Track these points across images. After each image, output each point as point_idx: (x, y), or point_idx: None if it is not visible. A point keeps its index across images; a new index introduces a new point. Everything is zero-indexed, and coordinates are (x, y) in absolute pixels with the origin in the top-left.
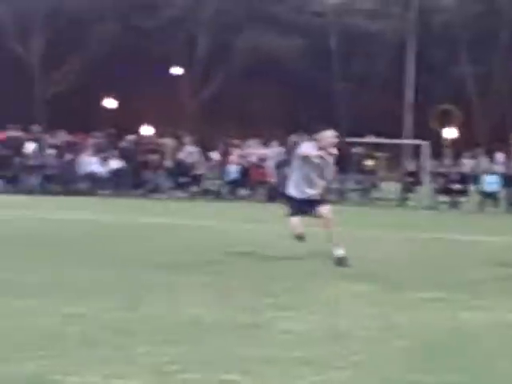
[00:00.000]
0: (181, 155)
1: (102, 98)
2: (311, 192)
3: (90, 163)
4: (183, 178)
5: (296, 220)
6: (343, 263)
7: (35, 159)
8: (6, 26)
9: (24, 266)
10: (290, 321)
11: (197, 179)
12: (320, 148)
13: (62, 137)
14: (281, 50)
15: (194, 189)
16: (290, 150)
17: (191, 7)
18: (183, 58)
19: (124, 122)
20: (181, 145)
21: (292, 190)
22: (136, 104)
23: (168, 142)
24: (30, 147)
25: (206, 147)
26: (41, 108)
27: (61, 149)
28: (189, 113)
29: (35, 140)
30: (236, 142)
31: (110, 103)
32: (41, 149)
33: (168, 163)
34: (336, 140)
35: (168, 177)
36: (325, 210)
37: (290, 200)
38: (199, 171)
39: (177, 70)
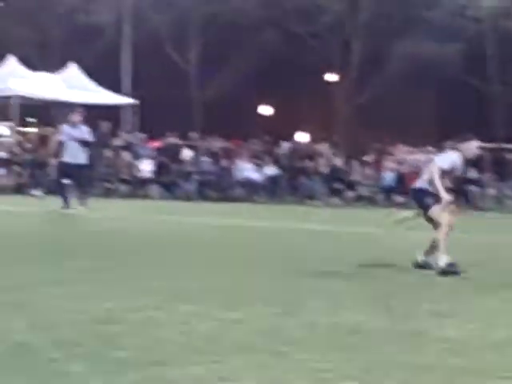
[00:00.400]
0: (336, 161)
1: (257, 105)
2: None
3: (246, 170)
4: (338, 184)
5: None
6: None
7: (192, 165)
8: (163, 34)
9: (184, 272)
10: (449, 328)
11: (352, 185)
12: (463, 159)
13: (218, 143)
14: (436, 55)
15: (349, 195)
16: None
17: (346, 13)
18: (338, 64)
19: (279, 129)
20: (336, 151)
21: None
22: (291, 110)
23: (323, 148)
24: (187, 154)
25: (360, 153)
26: (197, 115)
27: (217, 155)
28: (343, 119)
29: (192, 146)
30: (391, 147)
31: (265, 110)
32: (197, 155)
33: (323, 169)
34: (478, 151)
35: (323, 183)
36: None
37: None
38: (354, 177)
39: (331, 77)
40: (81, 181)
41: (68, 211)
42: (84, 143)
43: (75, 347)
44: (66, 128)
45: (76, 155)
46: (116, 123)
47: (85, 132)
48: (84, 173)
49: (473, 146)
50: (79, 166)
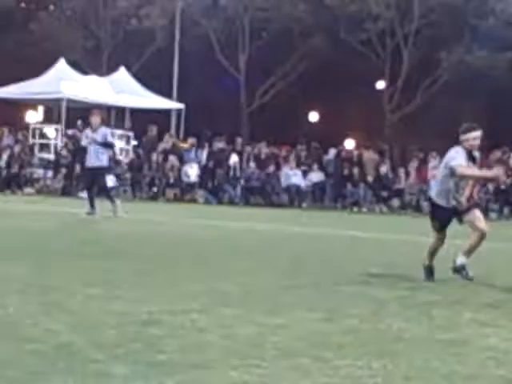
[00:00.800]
0: (382, 169)
1: (305, 112)
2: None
3: (292, 176)
4: (384, 192)
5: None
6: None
7: (238, 171)
8: (212, 40)
9: (227, 276)
10: (491, 337)
11: (398, 193)
12: (466, 149)
13: (264, 149)
14: (487, 64)
15: (395, 203)
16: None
17: (397, 21)
18: (387, 72)
19: (326, 135)
20: (382, 158)
21: (441, 200)
22: (339, 117)
23: (370, 155)
24: (233, 159)
25: (407, 161)
26: (245, 120)
27: (263, 161)
28: (391, 126)
29: (238, 152)
30: (434, 155)
31: (312, 117)
32: (243, 161)
33: (369, 177)
34: (477, 142)
35: (369, 190)
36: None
37: (438, 211)
38: (400, 185)
39: (380, 84)
40: (103, 183)
41: (93, 217)
42: (105, 145)
43: (116, 349)
44: (87, 132)
45: (97, 158)
46: (167, 128)
47: (106, 134)
48: (105, 175)
49: (470, 137)
50: (100, 169)
